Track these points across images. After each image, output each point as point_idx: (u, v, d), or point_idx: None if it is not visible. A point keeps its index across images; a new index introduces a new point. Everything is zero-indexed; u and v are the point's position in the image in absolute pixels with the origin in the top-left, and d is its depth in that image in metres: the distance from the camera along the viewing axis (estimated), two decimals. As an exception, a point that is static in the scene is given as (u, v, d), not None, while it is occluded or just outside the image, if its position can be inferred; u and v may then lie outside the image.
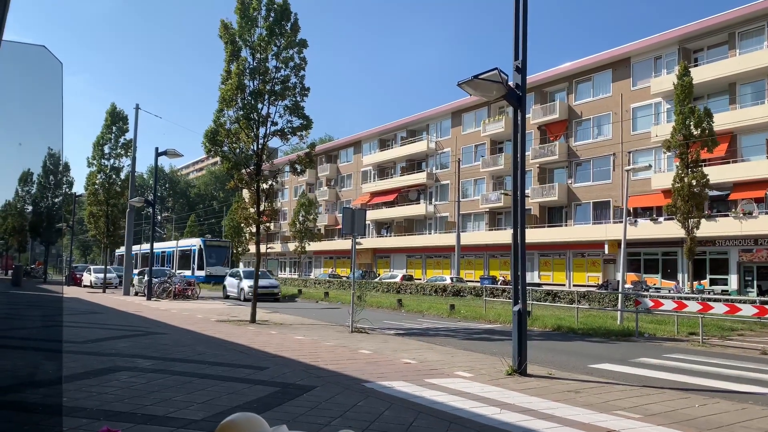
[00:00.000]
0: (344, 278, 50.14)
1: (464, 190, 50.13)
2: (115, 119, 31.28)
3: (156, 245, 52.28)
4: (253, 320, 15.77)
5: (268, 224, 17.21)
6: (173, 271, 39.23)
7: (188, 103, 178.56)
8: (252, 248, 66.64)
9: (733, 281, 32.60)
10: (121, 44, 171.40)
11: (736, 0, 39.92)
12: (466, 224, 49.82)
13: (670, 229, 30.34)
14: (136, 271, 34.56)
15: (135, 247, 58.25)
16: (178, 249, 48.66)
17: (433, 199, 54.06)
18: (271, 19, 15.71)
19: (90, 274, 38.38)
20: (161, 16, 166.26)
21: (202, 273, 42.92)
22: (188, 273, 42.37)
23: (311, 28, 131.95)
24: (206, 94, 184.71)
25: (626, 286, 24.56)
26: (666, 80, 33.83)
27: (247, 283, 26.43)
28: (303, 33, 16.04)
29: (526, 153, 11.23)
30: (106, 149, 31.28)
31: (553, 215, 43.98)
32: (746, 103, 33.00)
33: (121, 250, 59.40)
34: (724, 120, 30.83)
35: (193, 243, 46.95)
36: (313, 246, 61.12)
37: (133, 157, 31.04)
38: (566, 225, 42.19)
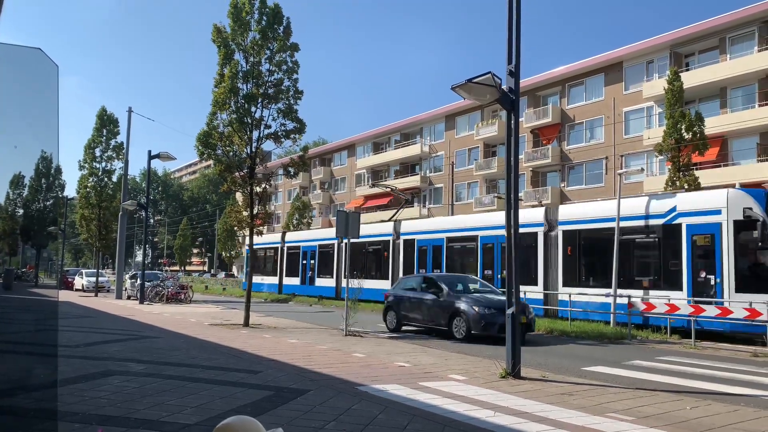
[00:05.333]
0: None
1: (458, 194, 50.20)
2: (105, 122, 31.24)
3: (445, 221, 26.83)
4: (246, 324, 15.73)
5: (261, 227, 17.17)
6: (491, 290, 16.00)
7: (182, 106, 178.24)
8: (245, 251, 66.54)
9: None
10: (114, 48, 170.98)
11: (727, 5, 40.22)
12: (460, 227, 49.82)
13: (662, 232, 30.40)
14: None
15: (309, 234, 35.31)
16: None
17: (426, 203, 54.11)
18: (263, 22, 15.74)
19: (82, 278, 38.14)
20: (155, 20, 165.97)
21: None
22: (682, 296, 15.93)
23: (306, 31, 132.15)
24: (200, 98, 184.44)
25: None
26: (658, 84, 34.01)
27: None
28: (297, 37, 16.14)
29: (520, 156, 11.24)
30: (98, 152, 31.22)
31: (546, 218, 44.07)
32: (737, 107, 33.23)
33: (263, 241, 34.01)
34: (715, 124, 31.05)
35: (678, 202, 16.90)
36: (306, 249, 60.88)
37: (126, 160, 30.96)
38: (559, 228, 42.21)
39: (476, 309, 13.89)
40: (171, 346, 11.27)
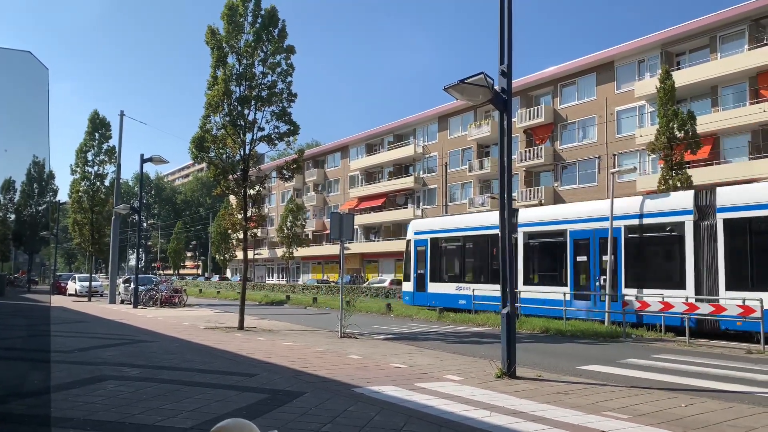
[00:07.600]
0: (333, 283, 50.03)
1: (451, 194, 50.25)
2: (97, 126, 31.04)
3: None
4: (241, 327, 15.68)
5: (255, 230, 17.09)
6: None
7: (174, 109, 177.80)
8: (239, 254, 66.34)
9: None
10: (107, 51, 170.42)
11: (717, 4, 40.45)
12: (454, 228, 49.83)
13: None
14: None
15: (587, 208, 19.04)
16: None
17: (420, 204, 54.14)
18: (257, 25, 15.70)
19: (75, 283, 37.93)
20: (147, 23, 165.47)
21: None
22: None
23: (298, 33, 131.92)
24: (193, 100, 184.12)
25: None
26: (649, 83, 34.16)
27: None
28: (290, 38, 16.07)
29: (513, 156, 11.26)
30: (90, 156, 31.02)
31: (539, 218, 44.13)
32: (728, 105, 33.42)
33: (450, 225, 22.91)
34: (706, 122, 31.21)
35: None
36: (300, 251, 60.86)
37: (118, 164, 30.80)
38: (553, 228, 42.22)
39: None
40: (165, 350, 11.22)
